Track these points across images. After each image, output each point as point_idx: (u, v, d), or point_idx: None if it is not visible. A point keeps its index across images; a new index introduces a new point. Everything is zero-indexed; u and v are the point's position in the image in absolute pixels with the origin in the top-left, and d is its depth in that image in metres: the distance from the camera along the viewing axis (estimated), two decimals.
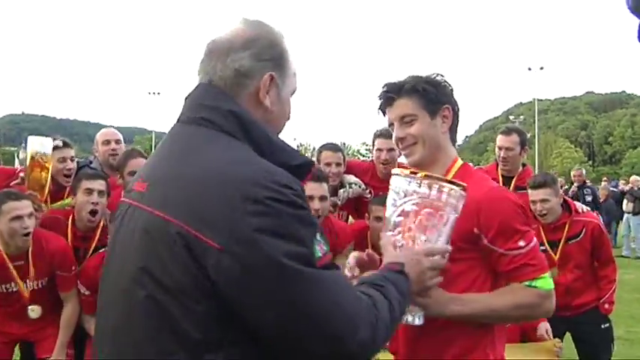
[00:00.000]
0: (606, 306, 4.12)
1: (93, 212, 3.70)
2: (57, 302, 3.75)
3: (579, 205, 4.30)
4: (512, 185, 4.32)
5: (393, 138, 2.13)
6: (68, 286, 3.69)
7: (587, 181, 13.10)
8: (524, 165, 4.54)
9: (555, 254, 4.06)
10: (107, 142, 4.61)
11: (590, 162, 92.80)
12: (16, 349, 3.94)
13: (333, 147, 4.47)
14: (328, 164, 4.28)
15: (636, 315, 8.53)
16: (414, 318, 1.82)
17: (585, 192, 12.01)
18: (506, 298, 1.93)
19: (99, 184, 3.73)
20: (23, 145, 4.42)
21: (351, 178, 4.40)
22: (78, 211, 3.74)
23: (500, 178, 4.37)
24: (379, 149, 4.38)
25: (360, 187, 4.37)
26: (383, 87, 2.10)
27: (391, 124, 2.11)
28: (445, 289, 1.89)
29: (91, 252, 3.78)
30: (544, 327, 3.82)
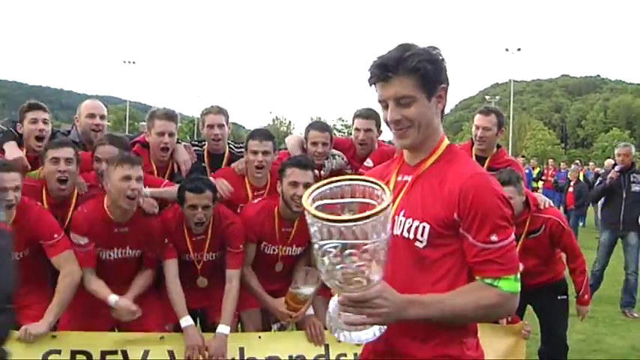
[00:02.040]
0: (586, 297, 4.46)
1: (61, 180, 3.66)
2: (41, 271, 3.68)
3: (542, 200, 4.41)
4: (485, 166, 4.37)
5: (386, 117, 1.95)
6: (56, 250, 3.56)
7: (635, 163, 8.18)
8: (498, 146, 4.61)
9: (516, 246, 4.16)
10: (92, 116, 4.43)
11: (563, 144, 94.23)
12: None
13: (320, 126, 4.49)
14: (315, 143, 4.31)
15: (604, 294, 8.71)
16: (373, 332, 1.74)
17: (633, 179, 7.87)
18: (467, 299, 1.83)
19: (66, 152, 3.67)
20: None
21: (334, 150, 4.46)
22: (48, 180, 3.72)
23: (474, 158, 4.40)
24: (357, 129, 4.49)
25: (342, 159, 4.46)
26: (378, 60, 1.89)
27: (383, 101, 1.94)
28: (419, 276, 1.88)
29: (68, 219, 3.72)
30: None
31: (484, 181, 1.88)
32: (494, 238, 1.83)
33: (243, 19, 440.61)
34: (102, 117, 4.49)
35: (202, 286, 3.94)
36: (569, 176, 15.15)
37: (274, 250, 3.92)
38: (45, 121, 4.15)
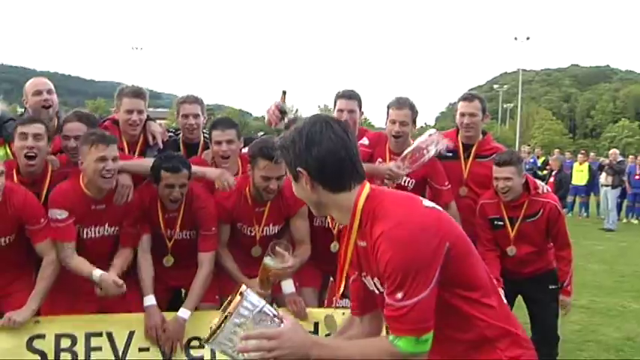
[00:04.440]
0: (569, 288, 4.42)
1: (29, 157, 3.59)
2: (25, 257, 3.68)
3: (541, 185, 4.42)
4: (472, 153, 4.42)
5: None
6: (42, 236, 3.55)
7: None
8: (484, 133, 4.60)
9: (512, 230, 4.28)
10: (38, 93, 4.29)
11: (571, 134, 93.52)
12: None
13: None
14: (341, 110, 4.37)
15: (603, 285, 8.70)
16: None
17: None
18: (364, 351, 1.84)
19: (34, 128, 3.60)
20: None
21: None
22: (17, 157, 3.66)
23: (461, 145, 4.46)
24: (340, 110, 4.47)
25: None
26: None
27: None
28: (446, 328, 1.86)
29: (44, 197, 3.67)
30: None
31: (398, 236, 1.76)
32: (399, 295, 1.75)
33: (254, 3, 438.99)
34: (49, 92, 4.33)
35: (168, 265, 3.88)
36: (551, 165, 14.96)
37: (251, 231, 3.91)
38: None
